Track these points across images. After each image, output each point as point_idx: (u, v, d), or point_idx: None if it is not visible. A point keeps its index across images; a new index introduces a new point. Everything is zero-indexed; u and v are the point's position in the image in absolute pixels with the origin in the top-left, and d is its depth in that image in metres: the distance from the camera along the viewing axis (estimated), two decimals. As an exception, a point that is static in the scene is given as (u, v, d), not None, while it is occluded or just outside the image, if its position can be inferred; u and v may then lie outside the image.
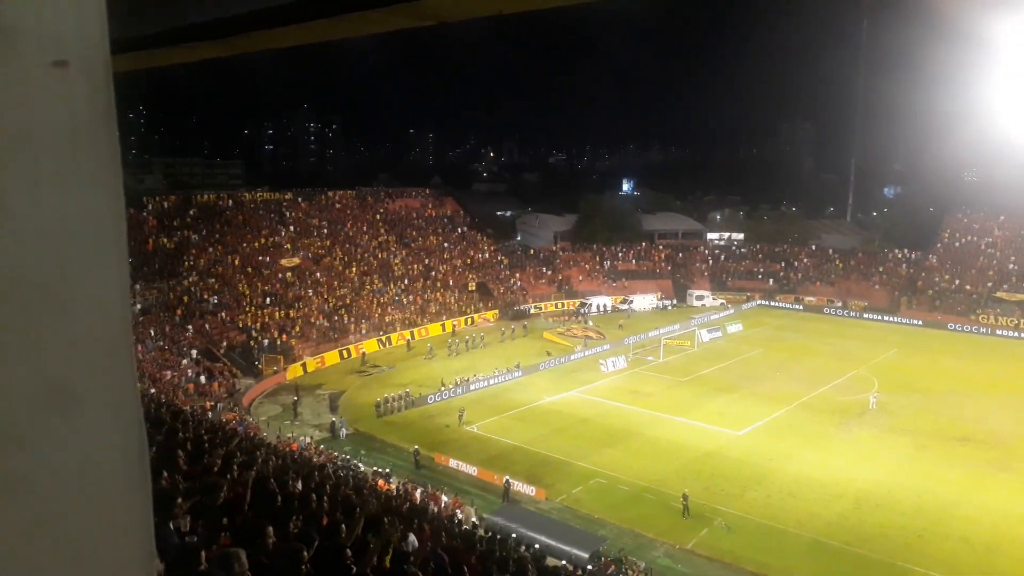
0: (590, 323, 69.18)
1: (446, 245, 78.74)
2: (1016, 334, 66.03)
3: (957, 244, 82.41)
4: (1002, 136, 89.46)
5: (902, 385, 49.10)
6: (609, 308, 76.66)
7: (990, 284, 73.58)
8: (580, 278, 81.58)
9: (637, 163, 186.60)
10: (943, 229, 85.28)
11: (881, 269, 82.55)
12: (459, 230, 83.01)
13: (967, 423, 41.59)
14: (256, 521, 7.73)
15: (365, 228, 75.50)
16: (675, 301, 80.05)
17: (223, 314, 55.22)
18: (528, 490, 31.85)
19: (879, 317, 73.05)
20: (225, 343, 51.53)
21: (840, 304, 77.27)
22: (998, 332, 67.09)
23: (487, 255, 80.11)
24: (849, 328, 69.51)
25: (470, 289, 72.82)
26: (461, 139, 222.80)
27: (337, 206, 77.19)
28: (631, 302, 77.74)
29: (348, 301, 62.99)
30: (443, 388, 46.22)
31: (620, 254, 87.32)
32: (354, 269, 68.03)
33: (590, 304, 76.04)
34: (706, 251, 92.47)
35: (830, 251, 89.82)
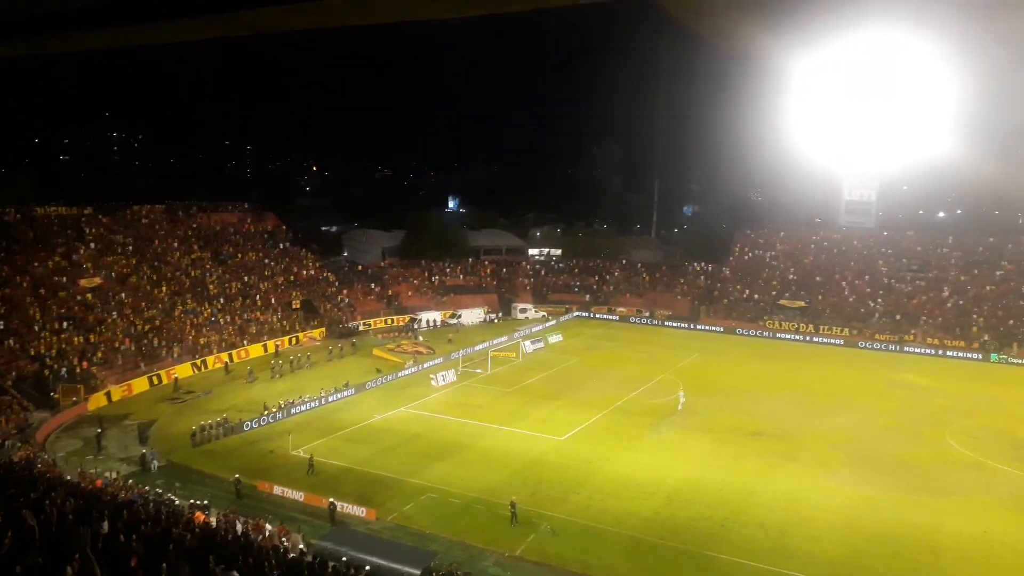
0: (420, 338, 69.42)
1: (267, 262, 75.70)
2: (797, 337, 74.53)
3: (746, 257, 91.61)
4: (782, 161, 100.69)
5: (704, 386, 53.81)
6: (438, 323, 77.35)
7: (774, 293, 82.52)
8: (409, 294, 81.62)
9: (462, 181, 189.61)
10: (734, 244, 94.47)
11: (683, 281, 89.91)
12: (281, 246, 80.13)
13: (759, 419, 46.40)
14: (51, 565, 7.35)
15: (176, 245, 70.84)
16: (501, 314, 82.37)
17: (10, 341, 49.54)
18: (358, 511, 31.48)
19: (682, 325, 79.52)
20: (14, 373, 46.26)
21: (648, 314, 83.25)
22: (780, 335, 75.36)
23: (312, 272, 77.96)
24: (657, 336, 75.16)
25: (294, 307, 70.48)
26: (282, 152, 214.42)
27: (144, 221, 71.81)
28: (459, 316, 78.95)
29: (158, 323, 58.77)
30: (266, 412, 44.43)
31: (448, 270, 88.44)
32: (164, 288, 63.60)
33: (420, 319, 76.31)
34: (528, 266, 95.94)
35: (638, 265, 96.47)
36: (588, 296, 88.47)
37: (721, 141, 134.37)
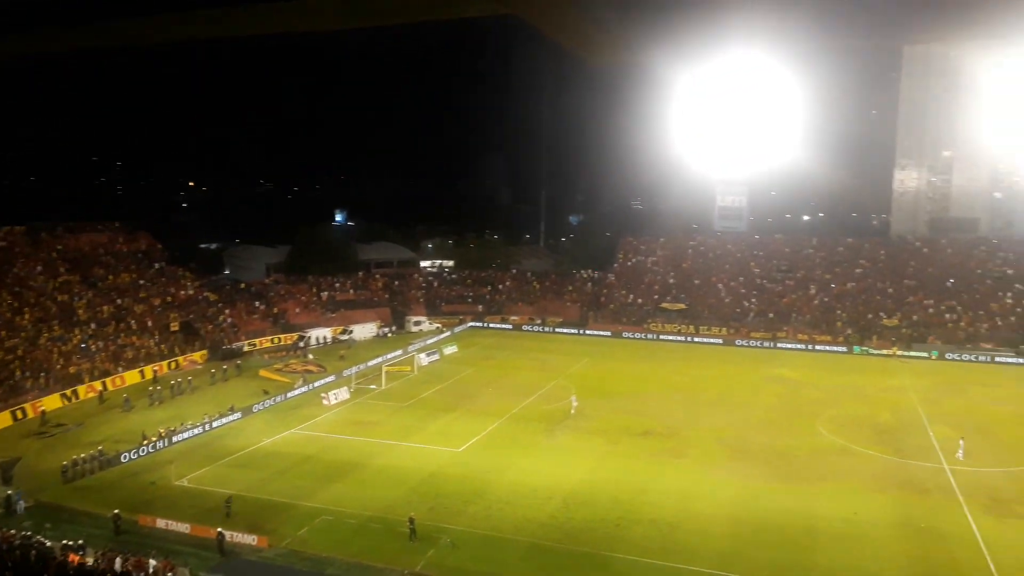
0: (310, 356, 67.66)
1: (142, 283, 71.71)
2: (680, 338, 77.79)
3: (630, 263, 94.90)
4: (660, 170, 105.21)
5: (595, 390, 55.32)
6: (329, 339, 75.61)
7: (656, 297, 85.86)
8: (297, 310, 79.35)
9: (350, 193, 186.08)
10: (618, 251, 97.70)
11: (571, 288, 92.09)
12: (156, 266, 76.14)
13: (648, 418, 48.14)
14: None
15: (40, 268, 66.02)
16: (394, 328, 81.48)
17: None
18: (249, 539, 30.32)
19: (572, 331, 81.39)
20: None
21: (540, 321, 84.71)
22: (663, 337, 78.42)
23: (191, 291, 74.46)
24: (548, 342, 76.57)
25: (173, 330, 67.10)
26: (156, 167, 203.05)
27: (2, 244, 66.51)
28: (351, 332, 77.48)
29: (20, 352, 54.50)
30: (145, 442, 42.03)
31: (338, 284, 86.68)
32: (27, 315, 59.08)
33: (309, 337, 74.34)
34: (420, 278, 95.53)
35: (529, 274, 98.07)
36: (481, 306, 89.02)
37: (603, 152, 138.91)
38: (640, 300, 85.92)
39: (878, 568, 28.02)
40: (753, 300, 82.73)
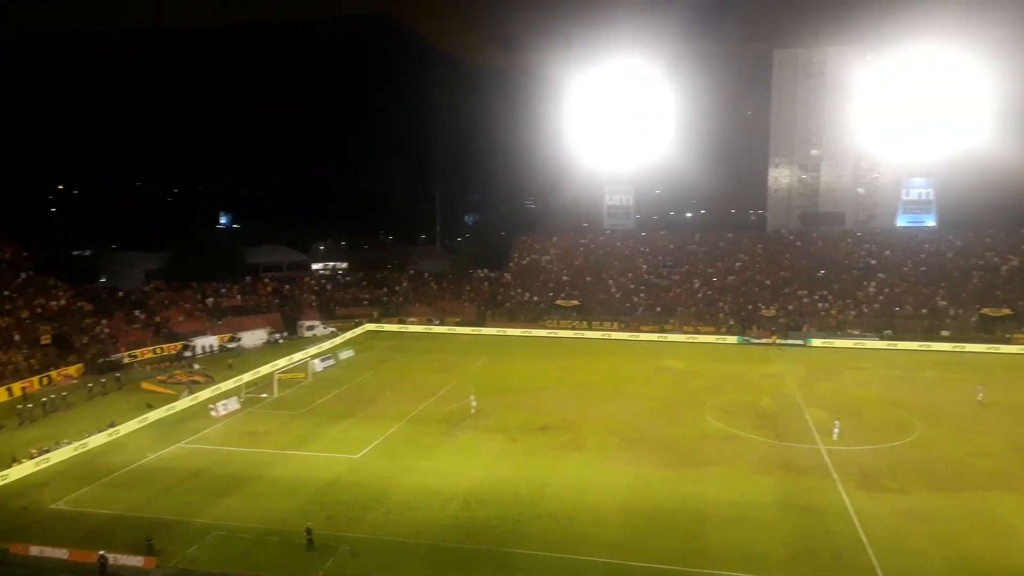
0: (196, 366, 64.78)
1: (7, 294, 66.50)
2: (574, 333, 79.54)
3: (524, 262, 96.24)
4: (551, 170, 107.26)
5: (494, 388, 55.81)
6: (216, 348, 72.61)
7: (551, 294, 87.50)
8: (180, 319, 75.70)
9: (236, 196, 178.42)
10: (513, 250, 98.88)
11: (468, 288, 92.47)
12: (23, 275, 70.78)
13: (546, 414, 49.01)
14: None
15: None
16: (286, 334, 79.12)
17: None
18: (135, 561, 28.82)
19: (470, 331, 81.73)
20: None
21: (438, 322, 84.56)
22: (559, 333, 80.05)
23: (63, 302, 69.67)
24: (447, 343, 76.59)
25: (44, 343, 62.62)
26: (21, 169, 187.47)
27: None
28: (239, 339, 74.72)
29: None
30: (15, 464, 39.10)
31: (224, 290, 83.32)
32: None
33: (194, 346, 71.13)
34: (313, 282, 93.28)
35: (425, 275, 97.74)
36: (378, 308, 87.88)
37: (496, 153, 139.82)
38: (535, 298, 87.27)
39: (763, 546, 29.70)
40: (642, 295, 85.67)
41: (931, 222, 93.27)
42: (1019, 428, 44.76)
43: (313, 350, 69.32)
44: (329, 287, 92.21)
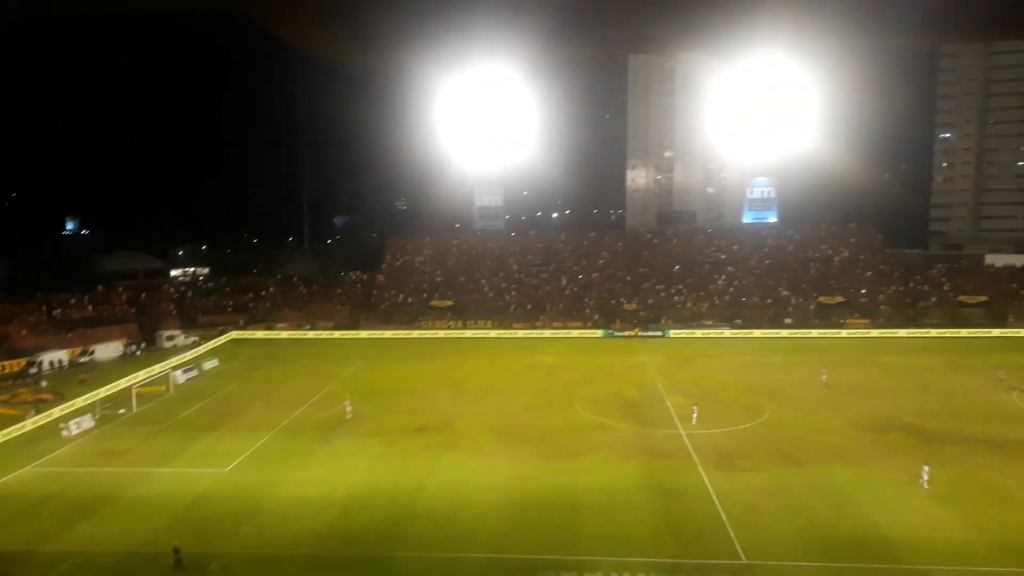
0: (43, 384, 59.99)
1: None
2: (450, 333, 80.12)
3: (398, 263, 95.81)
4: (422, 171, 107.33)
5: (369, 392, 55.39)
6: (66, 363, 67.45)
7: (425, 295, 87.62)
8: (23, 333, 69.59)
9: (83, 199, 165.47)
10: (386, 251, 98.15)
11: (340, 291, 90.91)
12: None
13: (423, 414, 49.23)
14: None
15: None
16: (144, 345, 74.64)
17: None
18: (-19, 599, 26.67)
19: (344, 334, 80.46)
20: None
21: (309, 327, 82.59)
22: (434, 334, 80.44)
23: None
24: (320, 348, 75.01)
25: None
26: None
27: None
28: (92, 353, 69.76)
29: None
30: None
31: (73, 301, 77.46)
32: None
33: (40, 362, 65.70)
34: (172, 289, 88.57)
35: (294, 278, 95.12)
36: (244, 315, 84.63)
37: (364, 153, 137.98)
38: (410, 299, 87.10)
39: (633, 529, 31.43)
40: (513, 293, 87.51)
41: (773, 218, 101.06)
42: (854, 406, 49.58)
43: (174, 361, 65.92)
44: (190, 294, 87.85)
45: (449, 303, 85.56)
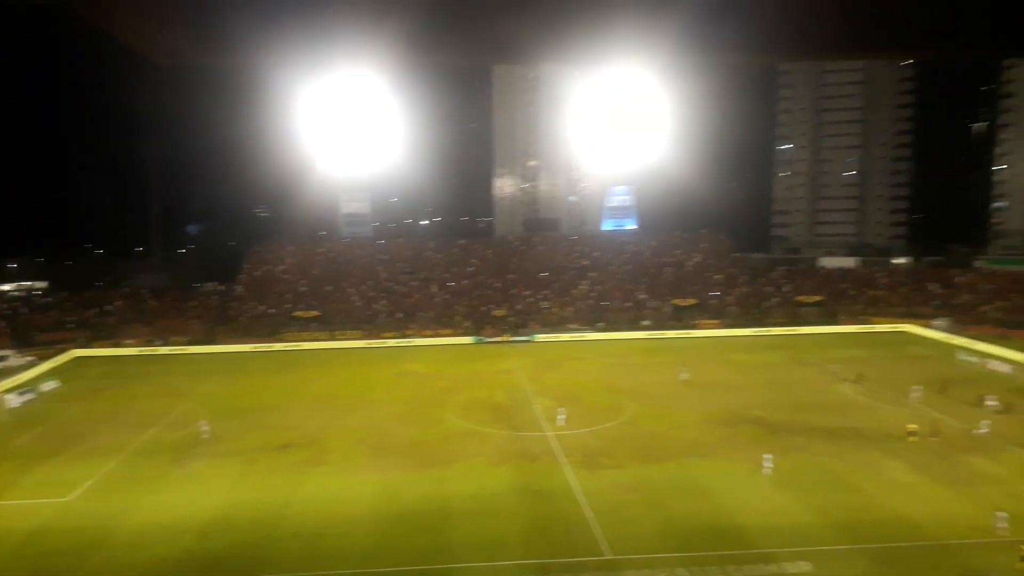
0: None
1: None
2: (316, 345, 77.89)
3: (258, 273, 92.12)
4: (284, 177, 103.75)
5: (229, 409, 52.85)
6: None
7: (288, 306, 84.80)
8: None
9: None
10: (245, 261, 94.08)
11: (194, 303, 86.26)
12: None
13: (287, 431, 47.56)
14: None
15: None
16: (-34, 368, 67.49)
17: None
18: None
19: (199, 350, 76.31)
20: None
21: (161, 342, 77.72)
22: (299, 346, 77.93)
23: None
24: (173, 365, 70.71)
25: None
26: None
27: None
28: (-100, 380, 62.24)
29: None
30: None
31: None
32: None
33: None
34: (4, 305, 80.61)
35: (143, 291, 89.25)
36: (87, 332, 78.41)
37: (222, 159, 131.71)
38: (272, 311, 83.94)
39: (503, 533, 31.86)
40: (383, 302, 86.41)
41: (632, 225, 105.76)
42: (708, 402, 52.70)
43: (7, 383, 60.07)
44: (25, 310, 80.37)
45: (314, 313, 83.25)
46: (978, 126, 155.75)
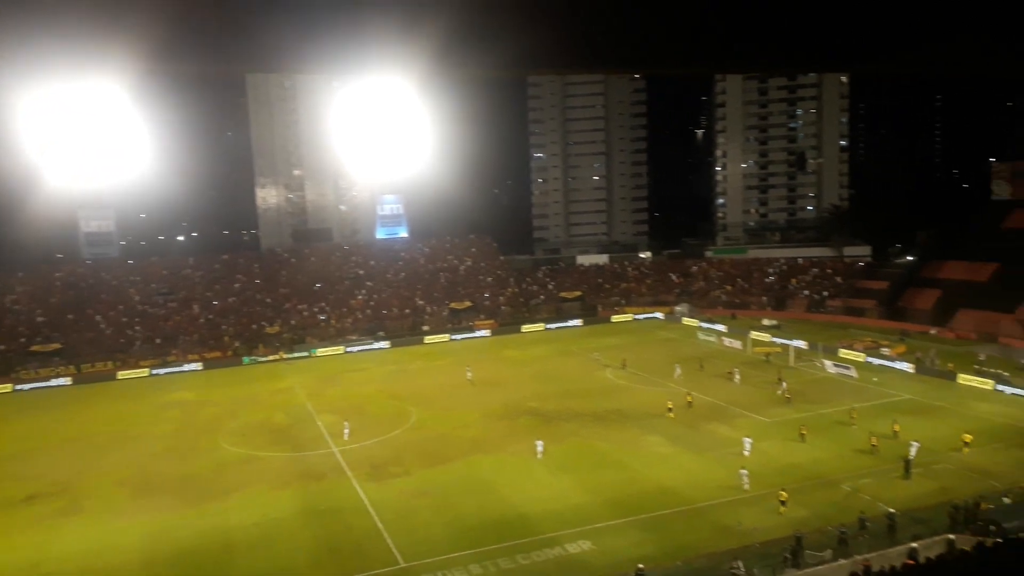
0: None
1: None
2: (60, 382, 69.10)
3: (-20, 306, 79.95)
4: (9, 193, 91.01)
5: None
6: None
7: (23, 340, 74.67)
8: None
9: None
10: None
11: None
12: None
13: (31, 481, 42.12)
14: None
15: None
16: None
17: None
18: None
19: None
20: None
21: None
22: (40, 384, 68.88)
23: None
24: None
25: None
26: None
27: None
28: None
29: None
30: None
31: None
32: None
33: None
34: None
35: None
36: None
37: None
38: (3, 347, 73.33)
39: (289, 559, 31.00)
40: (137, 327, 79.10)
41: (404, 233, 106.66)
42: (487, 398, 54.93)
43: None
44: None
45: (56, 346, 74.02)
46: (700, 132, 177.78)
